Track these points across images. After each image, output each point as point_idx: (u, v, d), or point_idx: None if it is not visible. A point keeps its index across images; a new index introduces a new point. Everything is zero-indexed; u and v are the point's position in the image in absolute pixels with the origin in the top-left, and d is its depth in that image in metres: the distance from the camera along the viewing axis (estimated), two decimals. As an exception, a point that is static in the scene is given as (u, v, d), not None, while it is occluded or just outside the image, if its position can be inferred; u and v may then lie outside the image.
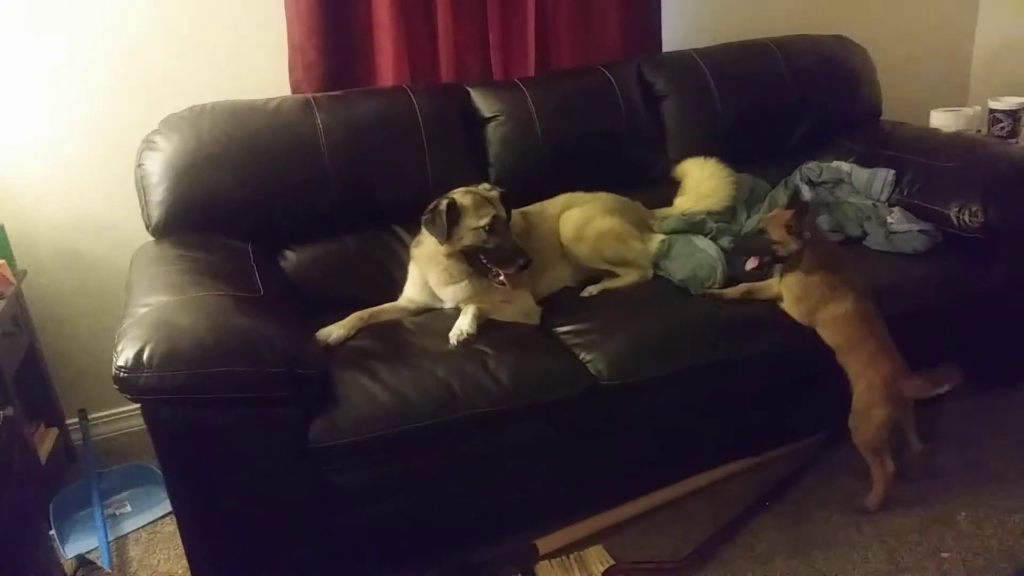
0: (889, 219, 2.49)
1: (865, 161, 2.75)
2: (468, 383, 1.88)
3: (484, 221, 2.07)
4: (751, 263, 2.14)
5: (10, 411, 1.77)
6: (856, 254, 2.43)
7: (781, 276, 2.14)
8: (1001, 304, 2.40)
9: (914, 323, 2.25)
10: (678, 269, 2.29)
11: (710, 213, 2.54)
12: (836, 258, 2.13)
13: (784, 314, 2.14)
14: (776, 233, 2.08)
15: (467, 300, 2.14)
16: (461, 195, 2.11)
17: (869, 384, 2.03)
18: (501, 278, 2.10)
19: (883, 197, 2.62)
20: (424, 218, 2.11)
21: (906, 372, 2.03)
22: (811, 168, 2.76)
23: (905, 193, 2.59)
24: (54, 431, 2.51)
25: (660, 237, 2.42)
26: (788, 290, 2.12)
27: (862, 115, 2.96)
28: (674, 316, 2.14)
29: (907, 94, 3.21)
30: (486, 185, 2.21)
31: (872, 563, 1.97)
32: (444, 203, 2.06)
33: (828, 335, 2.09)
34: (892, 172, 2.64)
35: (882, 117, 3.01)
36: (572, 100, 2.62)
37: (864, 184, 2.68)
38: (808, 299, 2.09)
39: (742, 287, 2.17)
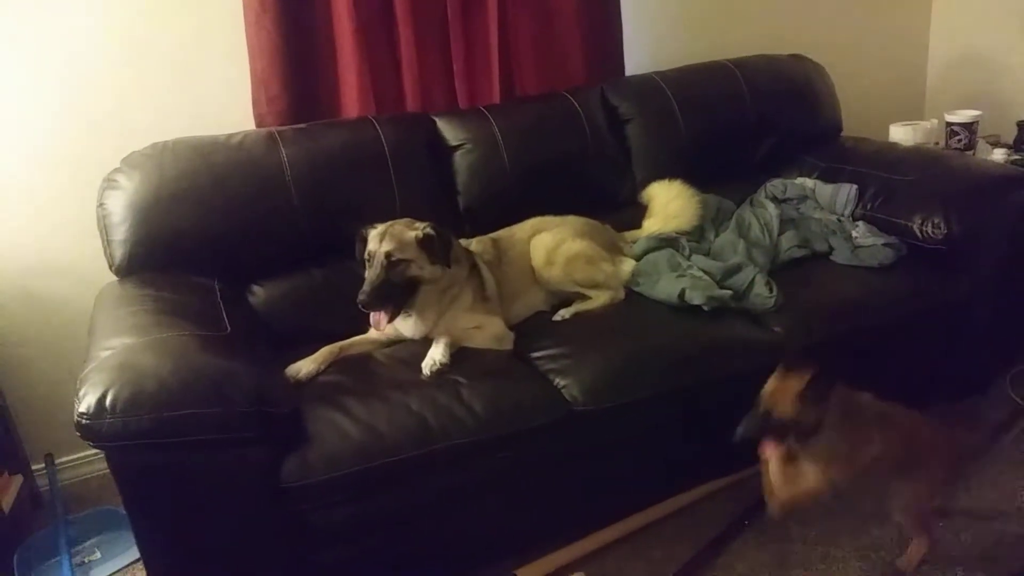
0: (854, 233, 2.53)
1: (828, 177, 2.80)
2: (442, 414, 1.86)
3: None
4: (770, 452, 1.70)
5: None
6: (823, 269, 2.47)
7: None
8: (967, 313, 2.44)
9: (882, 335, 2.28)
10: (665, 285, 2.28)
11: (679, 233, 2.57)
12: (857, 404, 1.73)
13: (756, 337, 2.16)
14: (788, 409, 1.63)
15: (433, 331, 2.12)
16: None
17: (917, 494, 1.84)
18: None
19: (847, 212, 2.67)
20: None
21: (955, 460, 1.86)
22: (775, 185, 2.81)
23: (869, 207, 2.64)
24: (18, 478, 2.44)
25: (631, 261, 2.44)
26: (817, 460, 1.70)
27: (823, 131, 3.01)
28: (647, 338, 2.15)
29: (866, 109, 3.28)
30: (422, 224, 2.11)
31: (853, 578, 1.97)
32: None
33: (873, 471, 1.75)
34: (855, 187, 2.69)
35: (843, 133, 3.06)
36: (538, 126, 2.63)
37: (828, 199, 2.72)
38: (841, 459, 1.70)
39: (784, 490, 1.74)
